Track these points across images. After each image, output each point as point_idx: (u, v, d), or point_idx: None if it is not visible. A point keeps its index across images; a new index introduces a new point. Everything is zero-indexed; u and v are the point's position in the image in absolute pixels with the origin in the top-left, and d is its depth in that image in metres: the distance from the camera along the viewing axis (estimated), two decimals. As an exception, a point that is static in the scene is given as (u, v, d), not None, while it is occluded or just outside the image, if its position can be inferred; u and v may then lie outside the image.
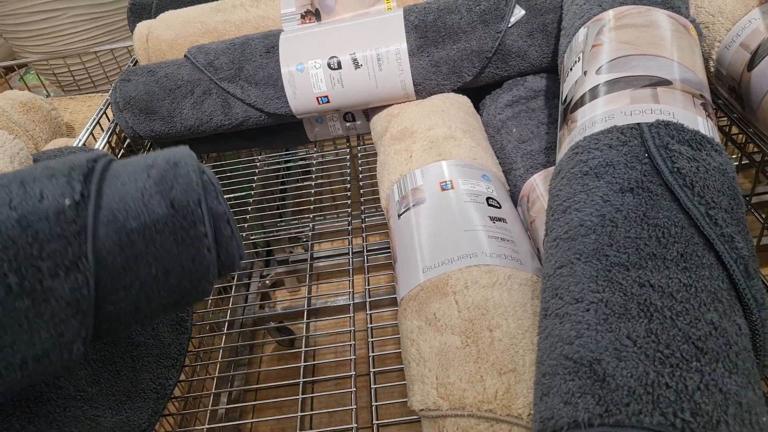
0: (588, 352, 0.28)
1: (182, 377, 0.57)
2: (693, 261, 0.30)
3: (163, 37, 0.67)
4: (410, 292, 0.42)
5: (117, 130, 0.68)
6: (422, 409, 0.35)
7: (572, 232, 0.33)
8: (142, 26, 0.69)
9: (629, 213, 0.32)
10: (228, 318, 0.57)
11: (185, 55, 0.63)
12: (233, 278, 0.80)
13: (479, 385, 0.34)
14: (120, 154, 0.67)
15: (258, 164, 0.74)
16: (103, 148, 0.65)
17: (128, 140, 0.68)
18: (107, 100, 0.69)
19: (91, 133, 0.65)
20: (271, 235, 0.93)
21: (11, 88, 1.09)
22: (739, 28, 0.49)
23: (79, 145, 0.63)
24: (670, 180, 0.32)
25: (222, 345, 0.54)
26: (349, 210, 0.62)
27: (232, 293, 0.62)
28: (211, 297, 0.62)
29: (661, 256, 0.30)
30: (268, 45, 0.60)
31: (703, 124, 0.36)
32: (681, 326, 0.27)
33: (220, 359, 0.53)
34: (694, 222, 0.31)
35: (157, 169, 0.29)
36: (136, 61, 0.72)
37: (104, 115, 0.68)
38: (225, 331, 0.55)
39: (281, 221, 0.99)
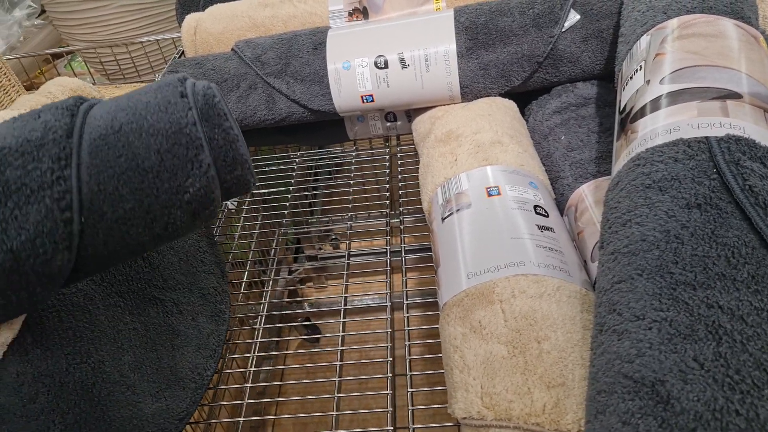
0: (650, 372, 0.27)
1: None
2: (765, 284, 0.28)
3: (211, 30, 0.68)
4: (454, 298, 0.41)
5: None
6: (465, 417, 0.34)
7: (633, 247, 0.32)
8: (191, 18, 0.69)
9: (696, 230, 0.31)
10: (262, 312, 0.57)
11: (232, 49, 0.63)
12: (264, 272, 0.80)
13: (527, 398, 0.33)
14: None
15: (297, 160, 0.74)
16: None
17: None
18: (153, 89, 0.70)
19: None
20: (302, 231, 0.93)
21: (59, 74, 1.11)
22: (808, 42, 0.47)
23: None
24: (741, 198, 0.31)
25: (255, 339, 0.54)
26: (388, 210, 0.62)
27: (264, 288, 0.62)
28: (241, 291, 0.63)
29: (731, 277, 0.28)
30: (316, 42, 0.60)
31: (774, 141, 0.35)
32: (752, 351, 0.26)
33: (253, 353, 0.53)
34: (765, 243, 0.30)
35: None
36: (182, 53, 0.73)
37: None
38: (259, 326, 0.55)
39: (312, 218, 0.99)
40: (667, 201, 0.33)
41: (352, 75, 0.59)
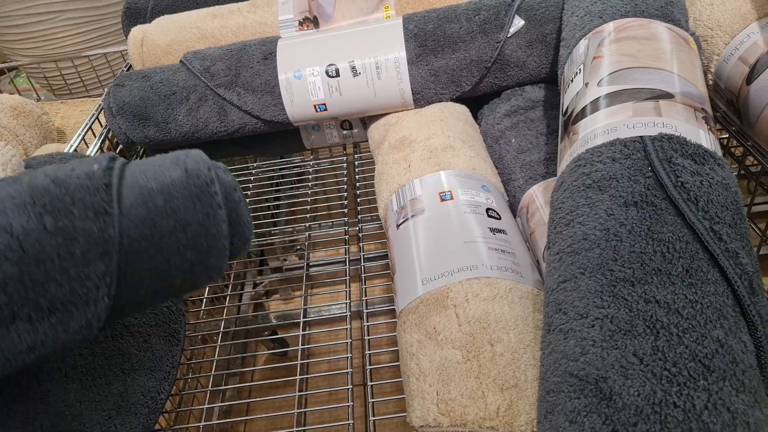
0: (594, 369, 0.27)
1: (173, 390, 0.56)
2: (698, 277, 0.29)
3: (159, 41, 0.67)
4: (410, 305, 0.41)
5: (109, 136, 0.66)
6: (422, 426, 0.34)
7: (576, 246, 0.33)
8: (137, 30, 0.68)
9: (633, 227, 0.32)
10: (221, 329, 0.56)
11: (181, 61, 0.62)
12: (227, 286, 0.78)
13: (481, 402, 0.33)
14: (113, 159, 0.66)
15: (253, 171, 0.73)
16: (95, 154, 0.64)
17: (121, 146, 0.67)
18: (100, 105, 0.68)
19: (83, 138, 0.64)
20: (264, 242, 0.92)
21: (1, 92, 1.07)
22: (737, 42, 0.49)
23: (71, 150, 0.62)
24: (675, 194, 0.32)
25: (215, 357, 0.53)
26: (346, 218, 0.62)
27: (226, 303, 0.61)
28: (202, 308, 0.61)
29: (667, 272, 0.29)
30: (266, 51, 0.60)
31: (705, 138, 0.36)
32: (688, 344, 0.27)
33: (213, 372, 0.52)
34: (698, 237, 0.31)
35: (170, 154, 0.34)
36: (130, 66, 0.71)
37: (96, 121, 0.67)
38: (219, 343, 0.54)
39: (275, 229, 0.98)
40: (607, 200, 0.34)
41: (304, 84, 0.58)
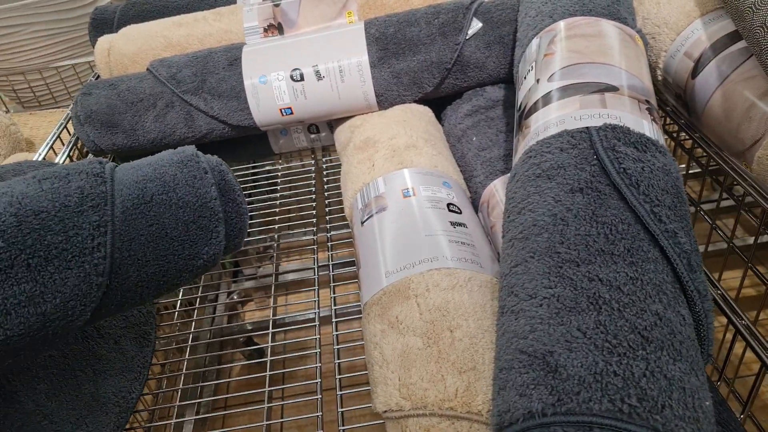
0: (541, 345, 0.29)
1: (147, 390, 0.56)
2: (639, 256, 0.31)
3: (125, 51, 0.67)
4: (373, 297, 0.42)
5: (78, 145, 0.67)
6: (385, 411, 0.35)
7: (526, 232, 0.34)
8: (104, 40, 0.68)
9: (579, 212, 0.33)
10: (193, 332, 0.56)
11: (147, 69, 0.63)
12: (197, 299, 0.78)
13: (440, 384, 0.34)
14: (81, 168, 0.66)
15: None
16: (64, 162, 0.64)
17: (90, 154, 0.67)
18: (68, 114, 0.68)
19: (51, 147, 0.64)
20: (238, 250, 0.92)
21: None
22: (682, 38, 0.52)
23: (40, 159, 0.62)
24: (617, 180, 0.34)
25: (187, 363, 0.53)
26: (314, 222, 0.62)
27: (196, 314, 0.61)
28: (175, 319, 0.61)
29: (609, 252, 0.31)
30: (231, 58, 0.60)
31: (648, 128, 0.38)
32: (628, 317, 0.28)
33: (185, 373, 0.52)
34: (639, 219, 0.32)
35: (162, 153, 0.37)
36: (98, 76, 0.72)
37: (65, 130, 0.67)
38: (190, 348, 0.55)
39: (250, 238, 0.98)
40: (555, 188, 0.35)
41: (269, 89, 0.59)
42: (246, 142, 0.70)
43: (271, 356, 0.52)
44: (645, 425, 0.25)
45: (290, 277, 0.99)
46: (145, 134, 0.62)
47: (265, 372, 0.50)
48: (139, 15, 0.74)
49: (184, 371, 0.53)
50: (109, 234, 0.30)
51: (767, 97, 0.44)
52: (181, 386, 0.51)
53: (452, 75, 0.59)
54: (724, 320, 0.46)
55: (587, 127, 0.37)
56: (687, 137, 0.54)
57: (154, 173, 0.33)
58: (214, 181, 0.35)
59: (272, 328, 0.53)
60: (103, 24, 0.75)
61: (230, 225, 0.36)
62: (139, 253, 0.32)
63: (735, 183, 0.47)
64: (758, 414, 0.50)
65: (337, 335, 0.50)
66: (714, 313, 0.33)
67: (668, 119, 0.57)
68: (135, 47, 0.67)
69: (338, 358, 0.48)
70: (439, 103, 0.64)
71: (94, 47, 0.71)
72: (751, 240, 0.89)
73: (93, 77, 0.73)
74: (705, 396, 0.27)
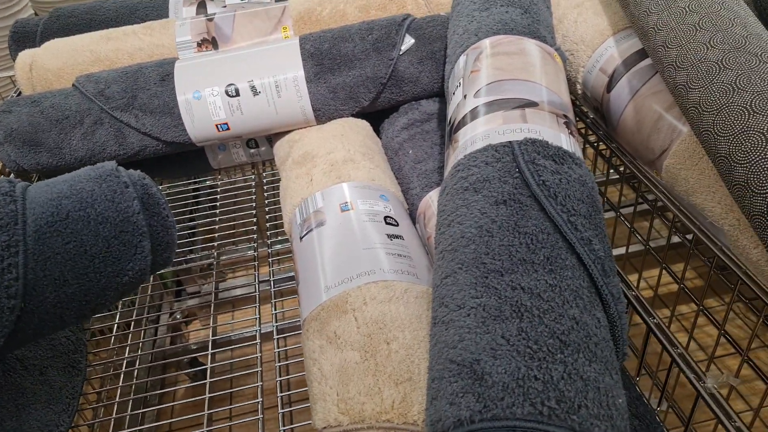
0: (469, 354, 0.30)
1: (82, 420, 0.53)
2: (558, 263, 0.33)
3: (49, 66, 0.64)
4: (311, 313, 0.42)
5: (-1, 165, 0.63)
6: (324, 427, 0.36)
7: (455, 244, 0.36)
8: (25, 55, 0.65)
9: (503, 223, 0.35)
10: (133, 355, 0.55)
11: (73, 85, 0.61)
12: (144, 312, 0.76)
13: (377, 397, 0.35)
14: (3, 189, 0.63)
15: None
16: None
17: (12, 175, 0.64)
18: (-14, 132, 0.64)
19: (-32, 168, 0.61)
20: (180, 266, 0.90)
21: None
22: (598, 55, 0.55)
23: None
24: (537, 192, 0.36)
25: (127, 389, 0.51)
26: (255, 237, 0.62)
27: (139, 328, 0.59)
28: (113, 343, 0.59)
29: (531, 261, 0.33)
30: (163, 73, 0.59)
31: (565, 141, 0.41)
32: (547, 323, 0.30)
33: (124, 400, 0.50)
34: (558, 228, 0.35)
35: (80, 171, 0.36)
36: (20, 92, 0.68)
37: (-17, 149, 0.64)
38: (129, 373, 0.53)
39: (190, 252, 0.96)
40: (481, 200, 0.37)
41: (204, 104, 0.59)
42: (183, 158, 0.68)
43: (215, 376, 0.51)
44: (563, 425, 0.26)
45: (235, 292, 0.97)
46: (72, 153, 0.59)
47: (207, 394, 0.49)
48: (63, 28, 0.71)
49: (123, 398, 0.51)
50: (21, 254, 0.29)
51: (673, 109, 0.47)
52: (117, 414, 0.49)
53: (388, 89, 0.61)
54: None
55: (510, 141, 0.39)
56: (605, 147, 0.58)
57: (70, 190, 0.33)
58: (136, 195, 0.34)
59: (212, 348, 0.52)
60: (24, 37, 0.71)
61: (156, 239, 0.36)
62: (56, 272, 0.31)
63: (646, 190, 0.51)
64: (683, 403, 0.54)
65: (278, 352, 0.50)
66: (629, 314, 0.35)
67: (589, 130, 0.60)
68: (60, 62, 0.64)
69: (280, 375, 0.48)
70: (376, 116, 0.65)
71: (15, 62, 0.67)
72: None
73: (14, 93, 0.70)
74: (618, 393, 0.29)
